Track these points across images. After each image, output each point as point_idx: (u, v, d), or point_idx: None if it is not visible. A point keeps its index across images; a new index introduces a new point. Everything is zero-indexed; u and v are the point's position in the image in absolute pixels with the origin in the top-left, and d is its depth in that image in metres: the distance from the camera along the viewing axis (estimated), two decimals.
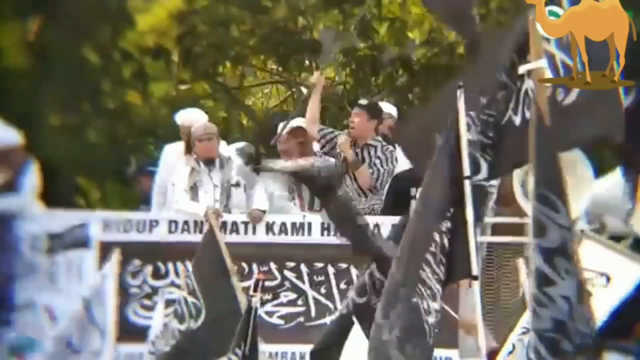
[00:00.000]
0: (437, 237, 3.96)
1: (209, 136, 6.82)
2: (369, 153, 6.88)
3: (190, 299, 5.26)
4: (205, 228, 6.08)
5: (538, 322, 3.68)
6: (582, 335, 3.67)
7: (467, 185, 3.99)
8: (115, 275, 5.68)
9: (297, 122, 7.23)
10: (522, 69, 3.93)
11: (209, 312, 5.20)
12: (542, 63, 3.85)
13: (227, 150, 7.19)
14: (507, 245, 6.55)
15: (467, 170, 4.01)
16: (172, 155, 7.37)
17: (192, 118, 7.46)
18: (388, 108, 7.65)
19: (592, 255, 4.35)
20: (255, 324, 4.89)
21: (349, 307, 4.45)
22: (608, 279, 4.29)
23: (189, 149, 7.22)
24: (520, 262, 5.26)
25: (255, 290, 5.03)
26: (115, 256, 5.68)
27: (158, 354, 5.39)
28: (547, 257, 3.69)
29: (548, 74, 3.89)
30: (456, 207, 3.99)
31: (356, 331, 4.43)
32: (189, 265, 6.41)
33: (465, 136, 3.99)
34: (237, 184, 6.83)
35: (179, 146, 7.41)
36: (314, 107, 7.01)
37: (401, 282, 3.95)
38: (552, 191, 3.73)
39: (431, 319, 3.87)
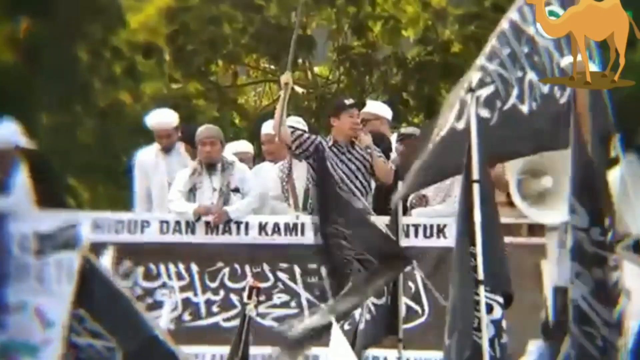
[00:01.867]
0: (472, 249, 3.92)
1: (212, 140, 6.75)
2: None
3: (98, 343, 4.86)
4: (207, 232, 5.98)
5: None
6: None
7: (476, 189, 3.88)
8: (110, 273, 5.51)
9: (289, 122, 7.14)
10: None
11: (126, 348, 4.77)
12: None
13: (230, 153, 7.11)
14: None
15: (476, 173, 3.92)
16: (148, 158, 7.26)
17: (160, 119, 7.31)
18: (383, 110, 7.54)
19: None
20: (249, 332, 4.78)
21: (371, 311, 4.39)
22: (628, 294, 4.16)
23: (164, 148, 7.11)
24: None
25: (249, 297, 4.94)
26: (110, 253, 5.52)
27: None
28: None
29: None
30: (466, 210, 3.91)
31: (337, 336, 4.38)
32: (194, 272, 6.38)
33: (475, 140, 3.88)
34: (237, 190, 6.76)
35: (153, 149, 7.29)
36: (281, 112, 6.83)
37: (459, 301, 3.88)
38: (572, 193, 3.71)
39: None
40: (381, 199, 6.82)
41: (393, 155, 7.01)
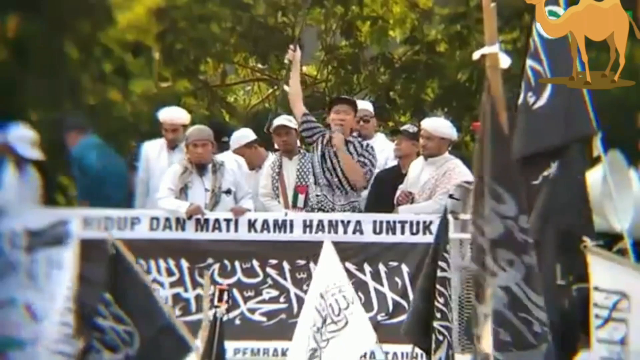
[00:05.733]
0: None
1: (203, 142, 6.86)
2: (349, 150, 6.88)
3: (120, 327, 5.09)
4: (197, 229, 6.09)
5: None
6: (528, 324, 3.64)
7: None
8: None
9: (280, 120, 7.24)
10: (476, 55, 3.92)
11: (143, 334, 4.95)
12: (496, 48, 3.84)
13: (223, 155, 7.20)
14: None
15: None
16: (152, 152, 7.37)
17: (171, 114, 7.50)
18: (366, 105, 7.67)
19: (602, 272, 4.21)
20: (222, 334, 4.87)
21: None
22: (624, 297, 4.16)
23: (170, 145, 7.26)
24: None
25: (219, 300, 5.01)
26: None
27: None
28: (490, 248, 3.68)
29: (502, 60, 3.88)
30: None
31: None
32: (185, 268, 6.44)
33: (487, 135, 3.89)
34: (228, 192, 6.85)
35: (158, 143, 7.41)
36: (295, 83, 6.96)
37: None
38: (497, 182, 3.70)
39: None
40: (374, 197, 6.94)
41: (380, 154, 7.11)
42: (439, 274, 4.74)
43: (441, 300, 4.70)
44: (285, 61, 7.14)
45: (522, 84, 4.91)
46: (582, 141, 4.93)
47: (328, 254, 5.19)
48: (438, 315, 4.69)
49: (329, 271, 5.14)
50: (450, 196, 6.54)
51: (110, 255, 4.99)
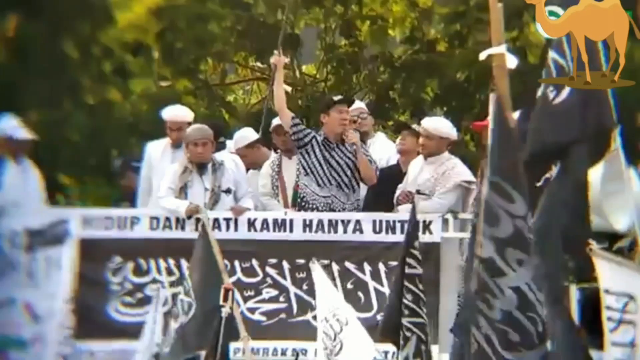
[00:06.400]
0: None
1: (203, 141, 6.85)
2: (351, 150, 6.89)
3: (186, 298, 5.30)
4: (198, 228, 6.17)
5: (490, 312, 3.65)
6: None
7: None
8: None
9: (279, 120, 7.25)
10: (482, 55, 3.91)
11: (199, 306, 5.25)
12: (503, 48, 3.83)
13: (220, 155, 7.21)
14: None
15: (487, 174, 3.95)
16: (156, 152, 7.37)
17: (175, 112, 7.50)
18: (359, 104, 7.70)
19: (610, 275, 4.18)
20: (226, 333, 4.90)
21: None
22: (631, 299, 4.14)
23: (174, 144, 7.26)
24: None
25: (224, 300, 5.03)
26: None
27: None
28: (499, 248, 3.65)
29: (509, 60, 3.87)
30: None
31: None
32: (184, 267, 6.48)
33: (490, 140, 3.89)
34: (228, 191, 6.84)
35: (162, 143, 7.41)
36: (279, 90, 6.98)
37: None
38: (507, 181, 3.69)
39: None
40: (373, 195, 6.94)
41: (375, 154, 7.12)
42: (407, 270, 4.75)
43: (409, 297, 4.72)
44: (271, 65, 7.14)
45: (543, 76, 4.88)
46: (600, 134, 4.89)
47: (318, 276, 5.20)
48: (406, 312, 4.70)
49: (323, 295, 5.15)
50: (418, 192, 6.56)
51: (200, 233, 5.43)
